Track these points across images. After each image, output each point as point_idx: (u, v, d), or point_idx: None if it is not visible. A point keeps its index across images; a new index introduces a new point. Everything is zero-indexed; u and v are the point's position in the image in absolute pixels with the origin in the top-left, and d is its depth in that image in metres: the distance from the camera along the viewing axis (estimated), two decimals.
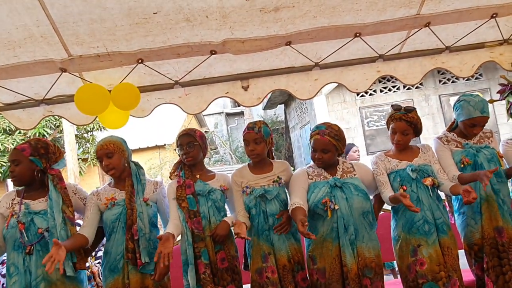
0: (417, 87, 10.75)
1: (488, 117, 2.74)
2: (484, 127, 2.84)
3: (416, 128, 2.69)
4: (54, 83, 3.02)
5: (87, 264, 3.51)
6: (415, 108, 2.76)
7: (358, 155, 5.15)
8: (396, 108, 2.73)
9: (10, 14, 2.35)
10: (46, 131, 12.44)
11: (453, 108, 2.90)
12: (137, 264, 2.46)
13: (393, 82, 10.89)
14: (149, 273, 2.49)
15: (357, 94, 10.77)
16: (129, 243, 2.48)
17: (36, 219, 2.39)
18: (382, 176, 2.69)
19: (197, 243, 2.54)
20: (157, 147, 15.81)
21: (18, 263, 2.34)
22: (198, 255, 2.52)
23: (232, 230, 2.67)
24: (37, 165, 2.49)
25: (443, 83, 10.90)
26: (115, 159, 2.57)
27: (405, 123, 2.66)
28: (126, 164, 2.66)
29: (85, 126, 12.90)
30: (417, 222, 2.58)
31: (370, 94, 10.97)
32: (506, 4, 3.01)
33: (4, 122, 11.51)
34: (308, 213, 2.57)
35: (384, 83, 10.94)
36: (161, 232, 2.71)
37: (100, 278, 3.70)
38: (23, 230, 2.35)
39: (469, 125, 2.74)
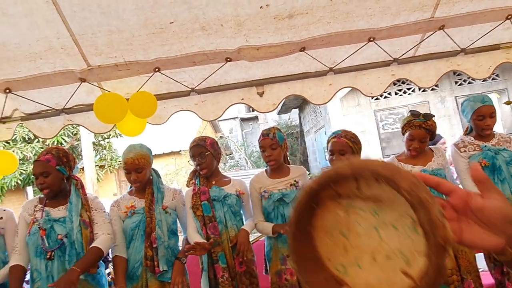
0: (432, 89, 10.64)
1: (491, 106, 2.70)
2: (503, 132, 2.81)
3: (433, 134, 2.68)
4: (74, 93, 3.10)
5: (108, 271, 3.57)
6: (433, 115, 2.74)
7: (446, 148, 4.97)
8: (414, 114, 2.70)
9: (31, 27, 2.43)
10: (64, 139, 12.68)
11: (462, 114, 2.89)
12: (155, 272, 2.50)
13: (408, 84, 10.80)
14: (167, 281, 2.52)
15: (372, 98, 10.70)
16: (148, 251, 2.52)
17: (56, 226, 2.45)
18: None
19: (214, 247, 2.57)
20: (172, 153, 15.95)
21: (41, 268, 2.40)
22: (216, 259, 2.55)
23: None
24: (63, 173, 2.55)
25: (459, 85, 10.78)
26: (143, 174, 2.61)
27: (424, 131, 2.63)
28: (150, 177, 2.70)
29: (102, 134, 13.10)
30: None
31: (385, 97, 10.90)
32: None
33: (24, 131, 11.76)
34: None
35: (399, 85, 10.86)
36: (180, 239, 2.76)
37: None
38: (44, 237, 2.41)
39: (478, 119, 2.72)
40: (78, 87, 3.06)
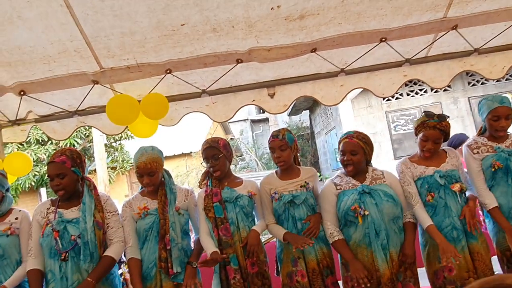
0: (445, 90, 10.52)
1: (508, 108, 2.65)
2: None
3: (446, 136, 2.64)
4: (87, 95, 3.13)
5: (120, 271, 3.59)
6: (448, 116, 2.70)
7: None
8: (429, 115, 2.66)
9: (46, 31, 2.47)
10: (76, 141, 12.82)
11: (478, 112, 2.85)
12: (169, 273, 2.51)
13: (420, 85, 10.70)
14: (180, 282, 2.53)
15: (383, 99, 10.64)
16: (162, 253, 2.53)
17: (69, 227, 2.46)
18: (411, 186, 2.64)
19: (226, 249, 2.57)
20: (183, 155, 16.03)
21: (55, 270, 2.41)
22: (227, 261, 2.55)
23: (261, 240, 2.71)
24: (77, 174, 2.57)
25: (472, 85, 10.65)
26: (156, 177, 2.62)
27: (439, 132, 2.59)
28: (162, 178, 2.72)
29: (114, 136, 13.22)
30: (445, 228, 2.53)
31: (397, 98, 10.82)
32: None
33: (37, 133, 11.91)
34: (340, 221, 2.60)
35: (411, 86, 10.77)
36: (192, 239, 2.76)
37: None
38: (57, 238, 2.43)
39: (493, 119, 2.66)
40: (91, 89, 3.09)
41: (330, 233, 2.58)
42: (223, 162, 2.71)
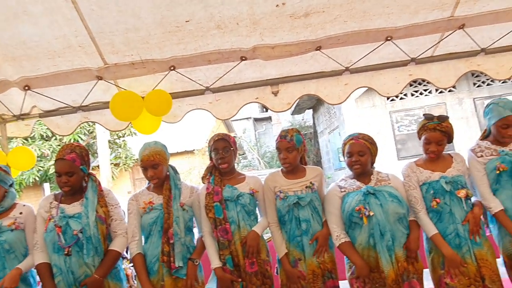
0: (450, 90, 10.45)
1: None
2: None
3: (450, 136, 2.61)
4: (91, 91, 3.13)
5: (123, 266, 3.59)
6: (448, 117, 2.67)
7: None
8: (428, 117, 2.63)
9: (51, 26, 2.47)
10: (80, 137, 12.85)
11: (484, 115, 2.80)
12: (171, 267, 2.51)
13: (424, 85, 10.65)
14: (182, 277, 2.53)
15: (387, 98, 10.59)
16: (165, 246, 2.54)
17: (71, 222, 2.48)
18: (416, 191, 2.62)
19: (222, 250, 2.58)
20: (186, 152, 16.01)
21: (60, 264, 2.44)
22: (223, 262, 2.56)
23: (263, 236, 2.69)
24: (84, 172, 2.59)
25: (478, 86, 10.58)
26: (160, 170, 2.63)
27: (440, 133, 2.56)
28: (167, 172, 2.72)
29: (117, 132, 13.26)
30: (449, 235, 2.52)
31: (401, 98, 10.76)
32: None
33: (42, 128, 11.95)
34: (345, 224, 2.58)
35: (415, 86, 10.71)
36: (196, 235, 2.76)
37: (133, 281, 3.78)
38: (60, 233, 2.44)
39: (502, 127, 2.62)
40: (94, 85, 3.09)
41: (337, 235, 2.57)
42: (232, 156, 2.71)
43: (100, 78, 3.01)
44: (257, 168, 18.12)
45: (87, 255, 2.42)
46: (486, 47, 3.28)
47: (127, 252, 2.65)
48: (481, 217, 2.64)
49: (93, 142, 13.69)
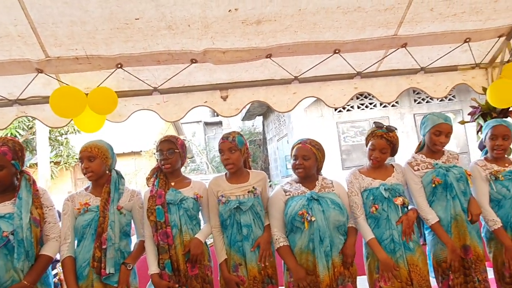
0: (393, 105, 10.99)
1: (451, 126, 2.81)
2: (453, 150, 2.92)
3: (394, 148, 2.74)
4: (29, 84, 2.97)
5: (55, 271, 3.41)
6: (396, 129, 2.81)
7: None
8: (378, 125, 2.78)
9: None
10: (18, 132, 12.11)
11: (420, 126, 2.97)
12: (101, 274, 2.41)
13: (370, 99, 11.11)
14: (113, 284, 2.43)
15: (335, 110, 10.93)
16: (97, 251, 2.43)
17: (0, 222, 2.30)
18: (357, 197, 2.73)
19: (162, 254, 2.52)
20: (133, 153, 15.60)
21: None
22: (162, 266, 2.51)
23: (206, 242, 2.66)
24: (16, 168, 2.42)
25: (418, 103, 11.20)
26: (95, 164, 2.52)
27: (385, 142, 2.71)
28: (107, 171, 2.61)
29: (59, 129, 12.64)
30: (385, 241, 2.64)
31: (348, 110, 11.15)
32: (479, 30, 3.14)
33: None
34: (286, 227, 2.61)
35: (362, 99, 11.15)
36: (134, 241, 2.68)
37: None
38: None
39: (435, 133, 2.81)
40: (34, 77, 2.93)
41: (276, 239, 2.60)
42: (176, 159, 2.66)
43: (40, 71, 2.86)
44: (205, 172, 17.98)
45: (18, 259, 2.24)
46: (426, 66, 3.48)
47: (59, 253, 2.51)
48: (415, 224, 2.78)
49: (32, 138, 12.96)
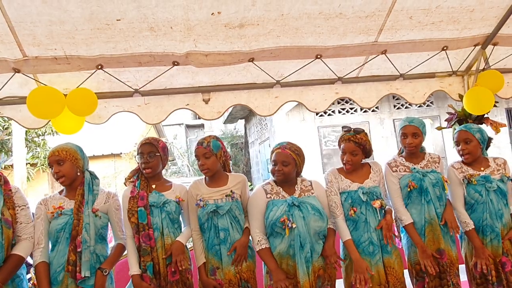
0: (373, 111, 11.14)
1: (415, 127, 2.85)
2: (433, 153, 2.98)
3: (364, 149, 2.78)
4: (6, 83, 2.90)
5: (29, 276, 3.32)
6: (363, 130, 2.84)
7: None
8: (346, 129, 2.83)
9: None
10: None
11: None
12: (76, 278, 2.36)
13: (351, 104, 11.24)
14: None
15: (316, 114, 11.02)
16: (71, 255, 2.37)
17: None
18: (336, 196, 2.76)
19: (144, 257, 2.49)
20: (112, 155, 15.36)
21: None
22: (144, 269, 2.47)
23: (186, 246, 2.64)
24: None
25: (397, 108, 11.38)
26: (65, 167, 2.47)
27: (353, 144, 2.75)
28: (79, 173, 2.56)
29: (36, 130, 12.37)
30: (363, 243, 2.67)
31: (329, 115, 11.25)
32: (456, 39, 3.21)
33: None
34: (267, 231, 2.61)
35: (343, 104, 11.27)
36: (110, 245, 2.63)
37: None
38: None
39: (402, 136, 2.89)
40: (11, 77, 2.86)
41: (258, 240, 2.60)
42: (157, 162, 2.63)
43: (17, 70, 2.80)
44: (186, 175, 17.85)
45: None
46: (405, 73, 3.54)
47: (32, 258, 2.44)
48: (394, 226, 2.82)
49: (8, 139, 12.64)
